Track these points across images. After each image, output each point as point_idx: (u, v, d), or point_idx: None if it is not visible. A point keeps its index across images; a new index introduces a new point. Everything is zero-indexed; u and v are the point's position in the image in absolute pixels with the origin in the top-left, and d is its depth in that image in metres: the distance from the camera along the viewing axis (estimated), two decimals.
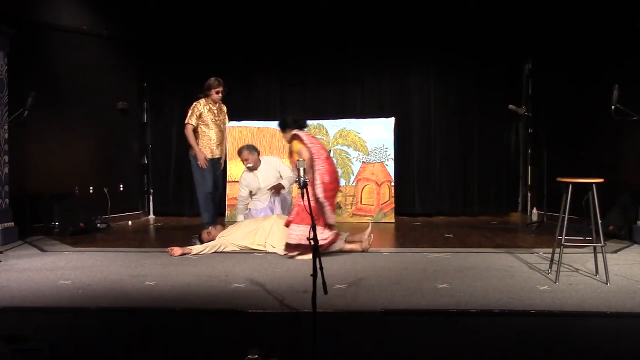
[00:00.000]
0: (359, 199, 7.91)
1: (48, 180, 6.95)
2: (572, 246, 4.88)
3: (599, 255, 4.40)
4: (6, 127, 6.15)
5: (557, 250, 4.41)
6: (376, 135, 7.85)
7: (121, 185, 8.07)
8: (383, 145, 7.84)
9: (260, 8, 8.19)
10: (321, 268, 3.39)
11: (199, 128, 6.46)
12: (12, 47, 6.26)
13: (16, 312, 3.78)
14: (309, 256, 5.14)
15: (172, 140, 8.67)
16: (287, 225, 5.36)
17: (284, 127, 5.58)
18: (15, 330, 3.16)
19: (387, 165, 7.86)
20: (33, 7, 7.02)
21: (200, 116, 6.44)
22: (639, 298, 3.87)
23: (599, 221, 4.33)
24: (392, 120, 7.90)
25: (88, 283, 4.38)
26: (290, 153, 5.61)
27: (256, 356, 2.57)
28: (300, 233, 5.16)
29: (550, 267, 4.59)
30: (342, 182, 7.86)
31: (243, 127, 8.19)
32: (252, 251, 5.53)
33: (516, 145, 8.61)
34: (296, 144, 5.45)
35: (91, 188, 7.62)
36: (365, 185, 7.91)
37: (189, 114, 6.46)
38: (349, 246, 5.51)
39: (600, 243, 4.32)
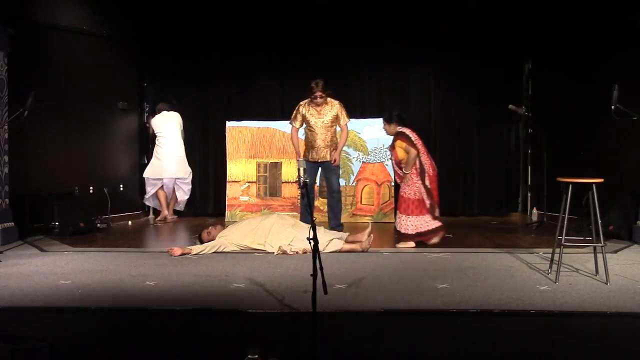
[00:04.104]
0: (359, 199, 7.91)
1: (48, 180, 6.94)
2: (572, 246, 4.87)
3: (599, 255, 4.40)
4: (6, 127, 6.15)
5: (557, 250, 4.41)
6: (376, 135, 7.84)
7: (121, 185, 8.07)
8: (383, 145, 7.83)
9: (261, 8, 8.18)
10: (321, 268, 3.39)
11: (305, 130, 6.49)
12: (12, 47, 6.25)
13: (16, 312, 3.78)
14: (411, 244, 5.72)
15: None
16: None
17: (389, 121, 5.88)
18: (15, 330, 3.16)
19: (387, 165, 7.85)
20: (33, 7, 7.00)
21: (303, 118, 6.42)
22: (639, 298, 3.87)
23: (599, 221, 4.33)
24: None
25: (88, 283, 4.38)
26: (393, 146, 5.89)
27: (256, 356, 2.58)
28: (415, 223, 5.73)
29: (550, 267, 4.58)
30: (342, 182, 7.87)
31: (243, 127, 8.18)
32: (252, 251, 5.53)
33: (516, 145, 8.61)
34: (401, 142, 5.76)
35: (91, 188, 7.61)
36: (365, 185, 7.91)
37: (292, 116, 6.55)
38: (348, 246, 5.50)
39: (600, 243, 4.33)
